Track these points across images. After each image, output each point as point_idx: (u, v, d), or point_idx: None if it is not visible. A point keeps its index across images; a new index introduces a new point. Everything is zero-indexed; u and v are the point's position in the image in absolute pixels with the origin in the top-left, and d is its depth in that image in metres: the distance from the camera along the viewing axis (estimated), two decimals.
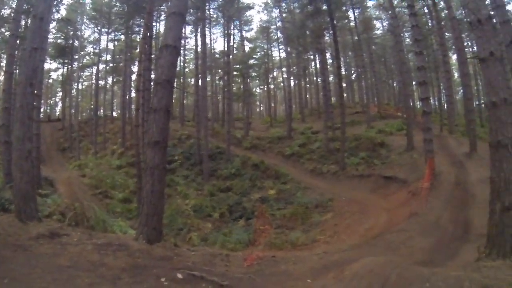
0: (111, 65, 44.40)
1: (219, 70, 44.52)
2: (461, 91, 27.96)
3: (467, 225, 9.98)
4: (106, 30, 39.35)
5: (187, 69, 49.95)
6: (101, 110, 51.45)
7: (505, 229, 5.68)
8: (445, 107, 29.93)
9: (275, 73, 56.38)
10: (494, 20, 12.56)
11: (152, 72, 20.47)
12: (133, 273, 5.08)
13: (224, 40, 37.99)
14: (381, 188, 18.57)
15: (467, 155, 18.04)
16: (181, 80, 45.30)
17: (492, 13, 12.73)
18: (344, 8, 32.88)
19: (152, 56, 22.52)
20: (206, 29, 33.92)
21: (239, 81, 47.37)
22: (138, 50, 31.02)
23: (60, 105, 56.23)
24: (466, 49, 28.51)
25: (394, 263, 5.30)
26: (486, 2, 11.76)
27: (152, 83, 17.87)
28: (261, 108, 71.33)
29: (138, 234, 6.74)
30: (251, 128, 34.68)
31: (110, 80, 46.03)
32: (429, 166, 14.53)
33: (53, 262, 5.10)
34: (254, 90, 60.98)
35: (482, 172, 12.95)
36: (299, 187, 20.96)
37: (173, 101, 41.05)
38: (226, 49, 35.86)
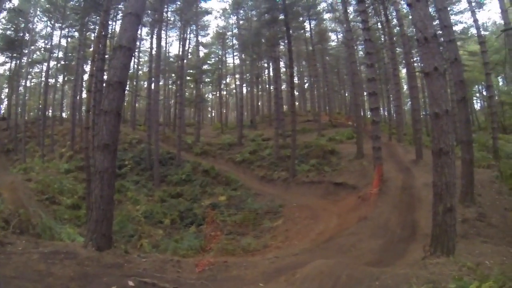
0: (62, 62, 41.67)
1: (173, 74, 43.72)
2: (409, 102, 29.33)
3: (414, 226, 10.37)
4: (60, 25, 36.64)
5: (140, 72, 48.73)
6: (50, 110, 48.38)
7: (448, 228, 6.07)
8: (394, 117, 31.19)
9: (228, 80, 56.33)
10: (442, 39, 13.43)
11: (105, 73, 19.73)
12: (82, 282, 4.91)
13: (180, 44, 37.15)
14: (331, 194, 18.96)
15: (413, 162, 18.81)
16: (134, 83, 44.09)
17: (440, 32, 13.61)
18: (300, 18, 33.64)
19: (106, 56, 21.62)
20: (163, 31, 33.17)
21: (192, 86, 46.84)
22: (92, 49, 29.52)
23: (5, 102, 52.71)
24: (414, 64, 30.01)
25: (344, 264, 5.41)
26: (435, 23, 12.50)
27: (104, 84, 17.24)
28: (213, 114, 70.92)
29: (87, 241, 6.47)
30: (202, 134, 34.38)
31: (60, 78, 43.14)
32: (377, 173, 15.05)
33: None
34: (206, 96, 60.60)
35: (427, 177, 13.54)
36: (249, 194, 21.00)
37: (125, 104, 39.93)
38: (181, 53, 35.35)
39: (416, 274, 4.31)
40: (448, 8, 21.63)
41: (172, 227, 17.34)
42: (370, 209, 12.90)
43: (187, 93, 44.96)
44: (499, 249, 7.01)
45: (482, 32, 24.00)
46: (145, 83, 46.42)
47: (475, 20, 22.39)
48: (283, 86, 47.28)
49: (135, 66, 43.96)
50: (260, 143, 29.42)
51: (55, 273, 4.98)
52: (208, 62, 46.02)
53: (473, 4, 23.13)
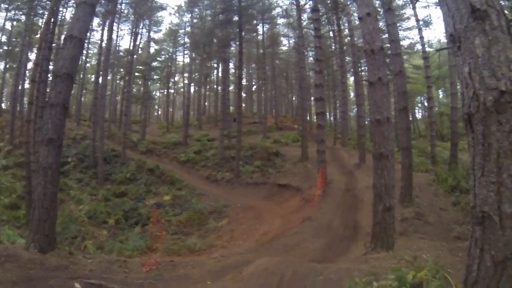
0: (5, 48, 38.41)
1: (121, 69, 42.20)
2: (355, 109, 30.59)
3: (356, 226, 10.84)
4: (6, 6, 34.05)
5: (88, 64, 46.09)
6: None
7: (387, 226, 6.51)
8: (340, 123, 32.34)
9: (176, 78, 55.48)
10: (390, 52, 14.18)
11: (51, 63, 18.60)
12: (26, 287, 4.68)
13: (131, 38, 35.67)
14: (276, 195, 19.25)
15: (357, 165, 19.56)
16: (81, 76, 41.96)
17: (388, 45, 14.38)
18: (254, 21, 33.90)
19: (54, 45, 20.40)
20: (115, 24, 31.65)
21: (139, 82, 45.61)
22: (38, 36, 27.62)
23: None
24: (362, 73, 31.12)
25: (288, 262, 5.60)
26: (384, 36, 13.19)
27: (50, 75, 16.25)
28: (159, 112, 69.58)
29: (29, 242, 6.12)
30: (147, 132, 33.61)
31: (1, 65, 40.02)
32: (321, 175, 15.56)
33: None
34: (153, 93, 59.25)
35: (369, 180, 14.11)
36: (194, 193, 20.81)
37: (70, 97, 38.07)
38: (131, 47, 33.88)
39: (358, 268, 4.56)
40: (397, 24, 22.97)
41: (116, 227, 16.77)
42: (314, 210, 13.33)
43: (134, 90, 43.74)
44: (435, 244, 7.53)
45: (427, 48, 25.60)
46: (92, 76, 44.53)
47: (421, 37, 23.80)
48: (231, 87, 47.32)
49: (83, 58, 41.72)
50: (205, 143, 29.32)
51: None
52: (158, 59, 44.89)
53: (421, 22, 24.47)
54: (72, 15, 7.58)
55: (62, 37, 36.45)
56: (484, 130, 1.98)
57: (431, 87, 23.77)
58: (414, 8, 23.51)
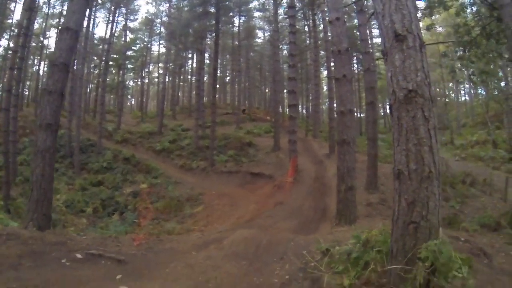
0: None
1: (95, 57, 41.73)
2: (328, 102, 31.56)
3: (325, 210, 11.63)
4: None
5: None
6: None
7: (349, 203, 7.49)
8: (312, 115, 33.33)
9: (151, 68, 55.16)
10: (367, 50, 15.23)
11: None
12: (32, 259, 5.04)
13: (107, 26, 35.27)
14: (249, 183, 20.09)
15: (327, 155, 20.61)
16: None
17: (359, 42, 15.40)
18: (231, 13, 34.27)
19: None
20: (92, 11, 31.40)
21: (113, 71, 45.12)
22: (16, 21, 26.87)
23: None
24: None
25: (264, 233, 6.41)
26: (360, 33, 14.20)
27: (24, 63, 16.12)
28: (132, 102, 68.91)
29: (27, 221, 6.60)
30: (122, 121, 33.64)
31: None
32: (292, 163, 16.48)
33: None
34: (127, 83, 58.65)
35: None
36: (170, 182, 21.43)
37: (39, 87, 37.31)
38: (108, 36, 33.63)
39: (324, 238, 5.38)
40: (372, 23, 24.00)
41: (94, 215, 17.19)
42: (285, 195, 14.20)
43: (108, 79, 43.30)
44: None
45: None
46: None
47: None
48: (205, 78, 47.62)
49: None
50: (179, 133, 29.90)
51: (2, 253, 5.03)
52: (133, 48, 44.27)
53: None
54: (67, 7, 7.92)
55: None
56: (398, 115, 2.83)
57: None
58: None
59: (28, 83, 43.53)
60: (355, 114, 38.73)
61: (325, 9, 27.77)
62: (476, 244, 5.64)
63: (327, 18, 28.13)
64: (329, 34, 27.35)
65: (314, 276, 4.16)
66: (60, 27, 7.91)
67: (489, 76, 17.68)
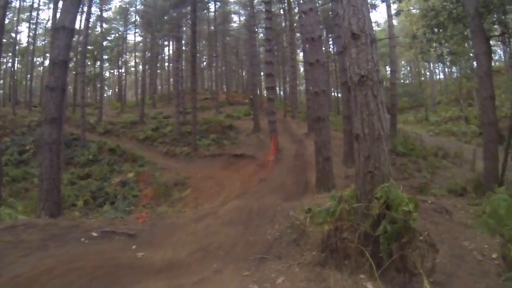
0: None
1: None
2: (304, 83, 32.36)
3: (306, 184, 12.42)
4: None
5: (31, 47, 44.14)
6: None
7: (327, 172, 8.51)
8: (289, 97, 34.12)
9: (126, 57, 54.61)
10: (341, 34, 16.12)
11: None
12: (55, 241, 5.54)
13: (82, 17, 34.01)
14: (232, 164, 20.83)
15: (305, 135, 21.48)
16: (29, 58, 40.18)
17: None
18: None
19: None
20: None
21: (89, 63, 44.53)
22: None
23: None
24: None
25: (254, 201, 7.28)
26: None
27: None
28: (109, 93, 68.19)
29: (39, 211, 7.19)
30: (102, 113, 33.77)
31: None
32: (273, 142, 17.41)
33: None
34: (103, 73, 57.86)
35: None
36: (156, 168, 21.90)
37: (14, 84, 36.90)
38: (83, 27, 32.24)
39: (307, 203, 6.26)
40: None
41: (86, 208, 17.34)
42: (268, 173, 15.14)
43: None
44: None
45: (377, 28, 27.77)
46: (39, 58, 42.84)
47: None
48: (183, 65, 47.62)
49: (30, 39, 40.00)
50: (161, 121, 30.25)
51: (26, 239, 5.43)
52: (108, 38, 43.87)
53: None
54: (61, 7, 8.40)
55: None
56: (355, 94, 3.67)
57: None
58: None
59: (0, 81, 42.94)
60: (333, 94, 39.88)
61: None
62: (441, 204, 6.50)
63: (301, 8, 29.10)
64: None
65: (300, 230, 5.06)
66: (55, 27, 8.44)
67: (457, 57, 18.93)
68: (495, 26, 12.07)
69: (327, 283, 3.24)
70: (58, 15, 27.09)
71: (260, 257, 4.44)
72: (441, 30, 13.63)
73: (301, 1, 11.52)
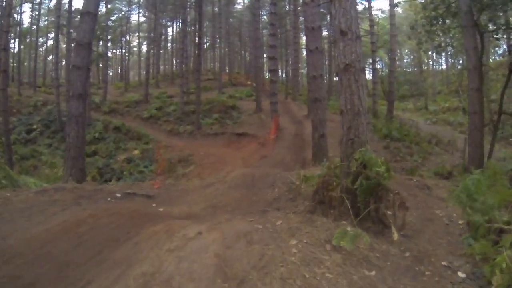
0: None
1: (71, 31, 41.45)
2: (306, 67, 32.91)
3: (304, 160, 13.28)
4: None
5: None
6: None
7: (322, 148, 9.47)
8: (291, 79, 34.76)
9: (128, 37, 54.83)
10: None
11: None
12: (85, 199, 6.33)
13: None
14: (234, 143, 21.75)
15: (305, 116, 22.03)
16: (33, 39, 40.74)
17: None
18: None
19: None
20: None
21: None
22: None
23: None
24: None
25: (257, 169, 8.26)
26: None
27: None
28: (111, 73, 68.38)
29: (66, 177, 8.13)
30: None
31: None
32: (274, 122, 18.32)
33: (12, 207, 5.56)
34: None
35: None
36: (160, 146, 22.24)
37: (16, 65, 37.40)
38: None
39: (301, 172, 7.18)
40: None
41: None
42: (269, 150, 16.10)
43: None
44: None
45: (380, 15, 28.18)
46: (40, 39, 43.07)
47: (369, 7, 26.88)
48: None
49: (32, 20, 40.42)
50: (165, 100, 30.99)
51: (59, 199, 6.17)
52: (111, 18, 43.79)
53: None
54: None
55: None
56: (341, 78, 4.58)
57: (376, 51, 26.89)
58: None
59: None
60: (334, 78, 40.43)
61: None
62: (424, 182, 7.39)
63: None
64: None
65: (296, 191, 6.01)
66: (81, 11, 9.22)
67: (456, 49, 19.65)
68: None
69: (315, 224, 4.18)
70: None
71: (263, 210, 5.42)
72: (439, 23, 14.42)
73: None
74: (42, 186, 8.49)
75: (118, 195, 6.99)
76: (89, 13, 8.63)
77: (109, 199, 6.71)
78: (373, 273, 3.34)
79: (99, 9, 10.39)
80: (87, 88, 8.57)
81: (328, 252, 3.51)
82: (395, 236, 3.97)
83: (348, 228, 3.87)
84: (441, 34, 15.38)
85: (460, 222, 4.86)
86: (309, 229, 4.02)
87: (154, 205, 6.63)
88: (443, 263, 3.71)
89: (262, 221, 4.49)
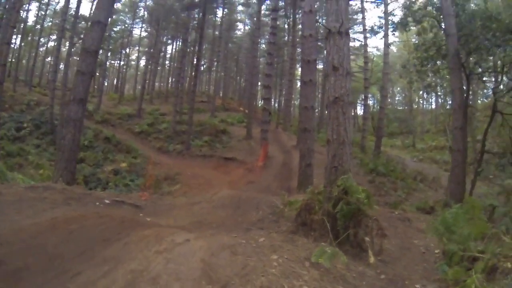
0: None
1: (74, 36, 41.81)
2: (299, 98, 33.51)
3: (289, 189, 13.15)
4: None
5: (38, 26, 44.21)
6: None
7: (308, 176, 9.79)
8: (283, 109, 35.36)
9: (128, 50, 55.32)
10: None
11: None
12: (75, 201, 6.53)
13: (92, 6, 34.60)
14: (222, 166, 22.02)
15: (294, 147, 22.26)
16: (35, 38, 40.95)
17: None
18: (214, 5, 35.55)
19: None
20: None
21: None
22: None
23: None
24: None
25: (242, 192, 8.51)
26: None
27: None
28: (106, 83, 68.57)
29: (57, 177, 8.26)
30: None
31: None
32: (263, 149, 18.64)
33: (1, 199, 5.65)
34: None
35: None
36: (148, 162, 22.62)
37: (14, 61, 37.48)
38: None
39: (285, 198, 7.42)
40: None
41: None
42: (256, 177, 16.35)
43: None
44: None
45: (376, 52, 29.08)
46: (41, 39, 43.09)
47: (365, 44, 27.63)
48: None
49: (37, 19, 40.58)
50: (157, 117, 31.35)
51: (48, 197, 6.28)
52: (114, 29, 44.52)
53: (367, 30, 27.76)
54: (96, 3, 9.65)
55: None
56: (330, 110, 4.94)
57: (368, 88, 27.72)
58: (363, 18, 27.55)
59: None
60: (325, 112, 41.05)
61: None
62: (405, 215, 7.68)
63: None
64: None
65: (280, 214, 6.28)
66: (91, 20, 9.59)
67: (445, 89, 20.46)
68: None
69: (296, 244, 4.44)
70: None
71: (246, 228, 5.67)
72: (430, 64, 15.17)
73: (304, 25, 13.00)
74: (30, 183, 8.52)
75: (107, 201, 7.20)
76: (100, 22, 9.02)
77: (97, 203, 6.90)
78: None
79: (108, 20, 10.67)
80: (88, 94, 8.83)
81: (307, 268, 3.73)
82: (372, 259, 4.24)
83: (327, 248, 4.11)
84: (431, 74, 16.08)
85: (436, 251, 5.08)
86: (290, 247, 4.25)
87: (141, 214, 6.83)
88: (417, 286, 3.94)
89: (246, 237, 4.71)
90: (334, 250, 3.95)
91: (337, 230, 4.54)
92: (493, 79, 16.29)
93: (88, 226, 4.86)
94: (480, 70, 13.41)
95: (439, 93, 37.63)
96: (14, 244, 3.96)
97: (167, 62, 53.81)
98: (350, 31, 5.37)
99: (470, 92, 14.41)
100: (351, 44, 33.45)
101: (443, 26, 13.37)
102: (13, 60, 37.79)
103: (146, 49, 47.08)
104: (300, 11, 30.24)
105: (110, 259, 3.72)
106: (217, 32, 39.72)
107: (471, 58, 12.90)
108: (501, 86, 13.91)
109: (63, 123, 24.41)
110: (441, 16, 13.40)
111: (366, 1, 28.32)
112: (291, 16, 32.95)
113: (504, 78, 12.98)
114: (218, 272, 3.41)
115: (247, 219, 6.64)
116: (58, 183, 7.89)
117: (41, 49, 45.66)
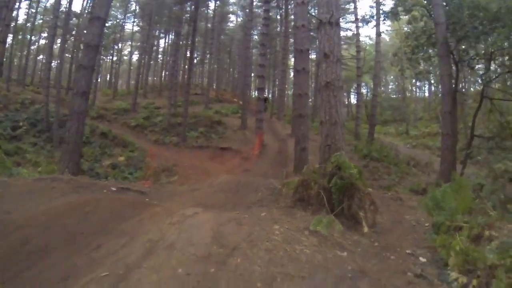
0: None
1: (69, 36, 41.72)
2: (293, 87, 33.80)
3: (286, 175, 14.06)
4: None
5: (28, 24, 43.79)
6: None
7: (303, 160, 10.18)
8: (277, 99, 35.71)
9: (120, 46, 55.14)
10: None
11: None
12: (83, 189, 6.75)
13: (84, 2, 34.82)
14: (218, 156, 22.34)
15: (289, 135, 22.71)
16: (28, 37, 40.70)
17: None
18: None
19: None
20: None
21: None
22: None
23: None
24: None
25: (241, 176, 8.89)
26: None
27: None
28: (99, 79, 68.35)
29: (62, 169, 8.56)
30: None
31: None
32: (258, 138, 18.99)
33: (12, 190, 5.83)
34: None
35: None
36: (145, 155, 22.70)
37: (9, 61, 37.26)
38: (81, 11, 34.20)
39: (281, 181, 7.82)
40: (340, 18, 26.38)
41: None
42: (252, 165, 16.72)
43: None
44: None
45: (368, 41, 29.39)
46: (34, 36, 42.98)
47: (357, 33, 28.03)
48: None
49: (28, 17, 40.39)
50: (152, 111, 31.40)
51: (57, 187, 6.46)
52: (105, 24, 43.91)
53: (359, 19, 28.06)
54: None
55: None
56: (322, 93, 5.36)
57: (361, 76, 28.13)
58: (355, 7, 27.81)
59: None
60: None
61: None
62: (397, 195, 8.10)
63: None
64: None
65: (278, 194, 6.68)
66: (91, 16, 9.89)
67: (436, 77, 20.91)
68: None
69: (295, 216, 4.86)
70: None
71: (248, 206, 6.07)
72: (421, 52, 15.58)
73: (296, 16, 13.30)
74: (35, 176, 8.69)
75: (113, 188, 7.48)
76: (100, 18, 9.37)
77: (105, 191, 7.17)
78: (345, 254, 3.98)
79: (108, 15, 10.99)
80: (90, 87, 9.16)
81: (306, 236, 4.15)
82: (365, 229, 4.65)
83: (324, 218, 4.53)
84: (422, 62, 16.51)
85: (426, 224, 5.43)
86: (290, 219, 4.67)
87: (147, 199, 7.17)
88: (407, 251, 4.33)
89: (248, 213, 5.14)
90: (330, 219, 4.37)
91: (333, 204, 4.94)
92: (484, 66, 16.81)
93: (102, 207, 5.22)
94: (469, 56, 13.80)
95: (431, 81, 38.30)
96: (34, 226, 4.30)
97: (160, 56, 53.79)
98: (342, 20, 5.76)
99: (464, 80, 14.88)
100: (343, 33, 33.86)
101: (432, 15, 13.74)
102: (5, 59, 37.49)
103: (139, 43, 46.99)
104: (292, 2, 30.46)
105: (127, 233, 4.12)
106: (209, 25, 39.79)
107: (462, 46, 13.35)
108: (490, 73, 14.31)
109: (60, 120, 25.04)
110: (430, 6, 13.78)
111: None
112: (283, 7, 33.09)
113: (493, 65, 13.39)
114: (227, 238, 3.82)
115: (247, 200, 7.00)
116: (65, 174, 8.16)
117: (32, 47, 45.33)
